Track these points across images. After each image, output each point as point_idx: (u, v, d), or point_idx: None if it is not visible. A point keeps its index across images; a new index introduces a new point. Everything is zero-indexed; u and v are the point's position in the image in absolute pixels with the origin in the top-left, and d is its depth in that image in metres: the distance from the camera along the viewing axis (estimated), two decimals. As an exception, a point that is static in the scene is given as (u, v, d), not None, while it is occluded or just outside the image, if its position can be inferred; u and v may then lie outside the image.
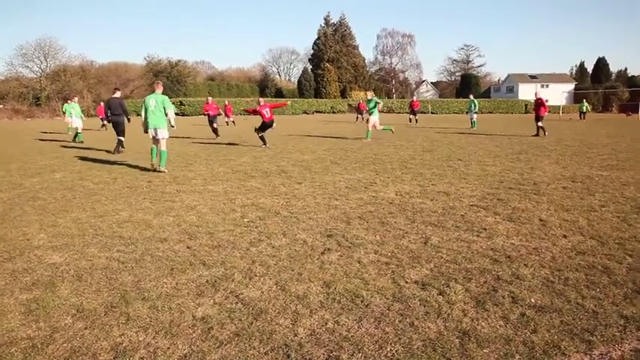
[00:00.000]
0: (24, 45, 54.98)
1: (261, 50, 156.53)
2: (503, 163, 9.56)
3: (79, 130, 16.82)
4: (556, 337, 2.57)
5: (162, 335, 2.65)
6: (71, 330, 2.72)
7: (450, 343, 2.53)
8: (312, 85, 66.73)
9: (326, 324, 2.77)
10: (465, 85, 73.29)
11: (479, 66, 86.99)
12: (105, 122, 23.16)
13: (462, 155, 11.16)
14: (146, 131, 8.90)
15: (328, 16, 71.83)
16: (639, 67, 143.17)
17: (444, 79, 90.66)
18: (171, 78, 58.63)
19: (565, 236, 4.43)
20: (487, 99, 64.73)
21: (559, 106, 48.19)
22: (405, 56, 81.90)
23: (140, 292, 3.25)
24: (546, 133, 16.61)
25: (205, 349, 2.50)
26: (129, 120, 13.15)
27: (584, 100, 38.06)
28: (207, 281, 3.43)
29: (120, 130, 12.78)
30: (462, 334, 2.62)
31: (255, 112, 13.41)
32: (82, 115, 18.08)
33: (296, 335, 2.64)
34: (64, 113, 18.80)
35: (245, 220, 5.21)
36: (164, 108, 8.74)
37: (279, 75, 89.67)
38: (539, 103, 17.04)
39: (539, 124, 16.77)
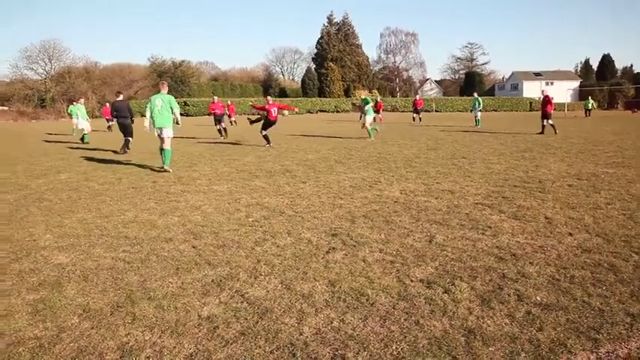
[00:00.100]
0: (28, 47, 55.33)
1: (264, 50, 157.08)
2: (508, 161, 9.53)
3: (86, 132, 16.92)
4: (562, 335, 2.56)
5: (168, 334, 2.66)
6: (78, 330, 2.74)
7: (455, 341, 2.53)
8: (315, 85, 66.72)
9: (331, 323, 2.77)
10: (469, 83, 72.99)
11: (483, 64, 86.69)
12: (110, 123, 23.30)
13: (466, 153, 11.13)
14: (150, 130, 9.02)
15: (331, 15, 71.81)
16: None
17: (447, 78, 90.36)
18: (175, 78, 58.76)
19: (571, 234, 4.41)
20: (491, 97, 64.43)
21: (564, 104, 47.93)
22: (408, 55, 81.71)
23: (146, 291, 3.27)
24: (556, 131, 16.49)
25: (211, 348, 2.51)
26: (132, 121, 13.27)
27: (590, 98, 37.91)
28: (212, 281, 3.45)
29: (128, 132, 12.90)
30: (467, 333, 2.62)
31: (263, 109, 13.51)
32: (88, 117, 18.17)
33: (301, 334, 2.65)
34: (69, 115, 18.90)
35: (250, 219, 5.22)
36: (171, 108, 8.87)
37: (283, 75, 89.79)
38: (546, 101, 16.95)
39: (550, 122, 16.64)
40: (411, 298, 3.09)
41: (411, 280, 3.38)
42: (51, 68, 55.60)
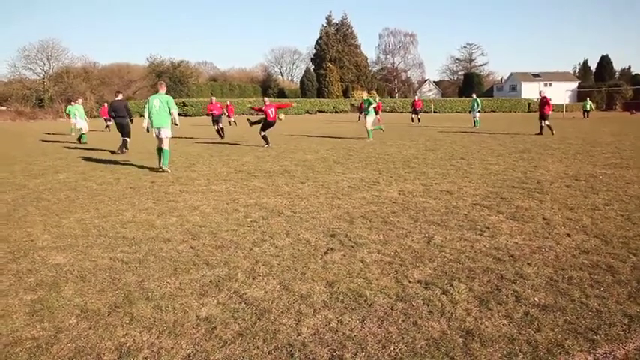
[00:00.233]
0: (27, 47, 55.25)
1: (263, 50, 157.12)
2: (506, 162, 9.54)
3: (84, 132, 16.89)
4: (560, 336, 2.57)
5: (166, 335, 2.66)
6: (75, 330, 2.74)
7: (453, 342, 2.53)
8: (314, 85, 66.74)
9: (329, 323, 2.77)
10: (468, 84, 73.11)
11: (481, 65, 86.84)
12: (108, 123, 23.24)
13: (464, 154, 11.14)
14: (148, 131, 8.99)
15: (330, 15, 71.86)
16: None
17: (446, 78, 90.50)
18: (173, 79, 58.70)
19: (569, 235, 4.42)
20: (490, 98, 64.54)
21: (562, 105, 48.03)
22: (407, 55, 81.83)
23: (144, 292, 3.26)
24: (553, 132, 16.52)
25: (209, 349, 2.51)
26: (131, 121, 13.23)
27: (588, 99, 37.95)
28: (210, 281, 3.44)
29: (126, 132, 12.87)
30: (465, 333, 2.62)
31: (260, 110, 13.51)
32: (86, 117, 18.14)
33: (299, 334, 2.64)
34: (67, 115, 18.86)
35: (248, 220, 5.22)
36: (169, 108, 8.84)
37: (282, 75, 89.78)
38: (543, 102, 16.99)
39: (547, 122, 16.69)
40: (409, 298, 3.09)
41: (409, 281, 3.39)
42: (49, 68, 55.51)
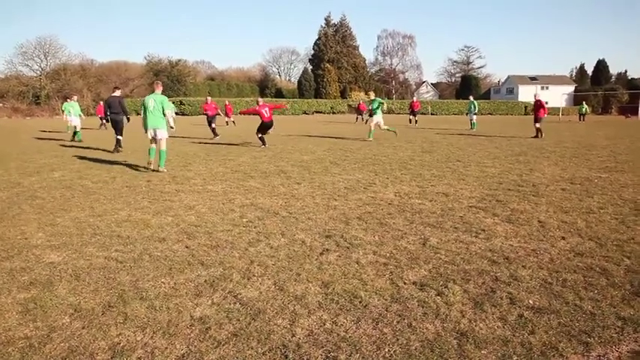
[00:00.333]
0: (24, 43, 54.93)
1: (261, 50, 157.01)
2: (502, 165, 9.57)
3: (78, 129, 16.79)
4: (554, 338, 2.57)
5: (160, 335, 2.65)
6: (69, 329, 2.72)
7: (447, 344, 2.53)
8: (312, 86, 66.77)
9: (324, 324, 2.77)
10: (465, 86, 73.31)
11: (479, 67, 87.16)
12: (104, 122, 23.12)
13: (461, 156, 11.17)
14: (146, 131, 8.89)
15: (329, 16, 71.94)
16: (639, 69, 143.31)
17: (444, 81, 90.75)
18: (171, 77, 58.60)
19: (563, 238, 4.44)
20: (487, 100, 64.77)
21: (559, 108, 48.23)
22: (405, 57, 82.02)
23: (138, 291, 3.25)
24: (542, 135, 16.62)
25: (203, 349, 2.50)
26: (128, 119, 13.12)
27: (584, 102, 38.08)
28: (205, 281, 3.43)
29: (119, 129, 12.75)
30: (459, 335, 2.62)
31: (254, 112, 13.32)
32: (81, 114, 18.05)
33: (294, 335, 2.64)
34: (63, 112, 18.78)
35: (244, 220, 5.21)
36: (163, 108, 8.73)
37: (280, 75, 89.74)
38: (538, 105, 17.06)
39: (537, 125, 16.80)
40: (404, 300, 3.09)
41: (404, 283, 3.39)
42: (46, 65, 55.23)
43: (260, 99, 14.13)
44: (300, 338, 2.61)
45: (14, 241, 4.45)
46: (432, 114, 54.06)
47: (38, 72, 54.84)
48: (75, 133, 16.58)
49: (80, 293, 3.22)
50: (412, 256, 3.97)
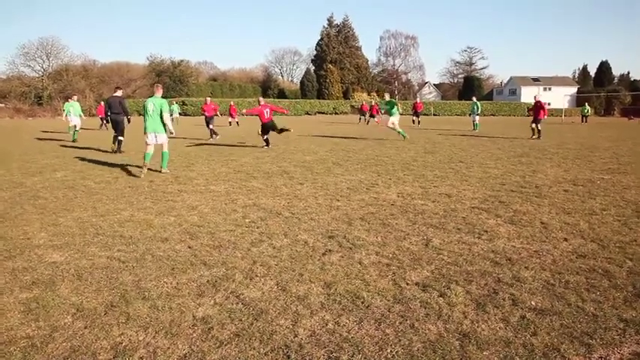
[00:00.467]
0: (26, 44, 55.04)
1: (263, 51, 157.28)
2: (505, 166, 9.55)
3: (77, 129, 16.79)
4: (556, 340, 2.57)
5: (163, 335, 2.65)
6: (71, 329, 2.73)
7: (450, 345, 2.53)
8: (314, 86, 66.85)
9: (326, 325, 2.77)
10: (468, 87, 73.27)
11: (482, 68, 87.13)
12: (105, 122, 23.15)
13: (463, 157, 11.15)
14: (147, 134, 8.82)
15: (331, 17, 72.10)
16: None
17: (446, 81, 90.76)
18: (173, 78, 58.73)
19: (566, 239, 4.43)
20: (489, 101, 64.74)
21: (561, 109, 48.14)
22: (408, 58, 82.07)
23: (140, 291, 3.26)
24: (534, 137, 16.62)
25: (205, 349, 2.50)
26: (129, 120, 13.10)
27: (587, 104, 38.03)
28: (208, 281, 3.44)
29: (120, 129, 12.74)
30: (462, 336, 2.62)
31: (256, 111, 13.27)
32: (82, 114, 18.07)
33: (296, 336, 2.64)
34: (64, 112, 18.81)
35: (246, 220, 5.22)
36: (161, 112, 8.59)
37: (282, 76, 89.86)
38: (538, 107, 17.04)
39: (533, 125, 16.82)
40: (407, 301, 3.09)
41: (407, 284, 3.38)
42: (48, 66, 55.39)
43: (262, 99, 14.06)
44: (302, 338, 2.61)
45: (17, 240, 4.47)
46: (434, 115, 54.04)
47: (40, 73, 55.04)
48: (74, 132, 16.61)
49: (82, 293, 3.23)
50: (415, 256, 3.97)
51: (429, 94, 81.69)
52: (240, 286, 3.34)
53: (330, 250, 4.14)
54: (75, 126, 16.86)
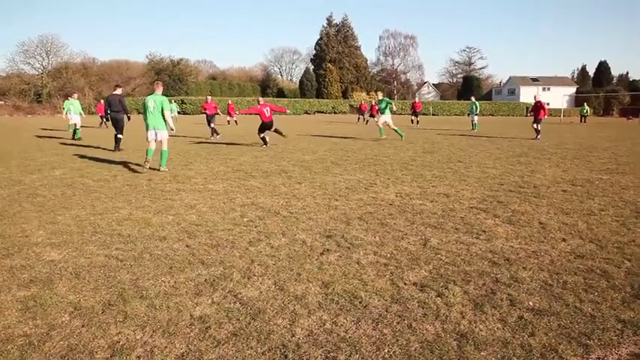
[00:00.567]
0: (26, 42, 54.99)
1: (263, 50, 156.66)
2: (503, 166, 9.56)
3: (78, 127, 16.80)
4: (554, 340, 2.57)
5: (160, 334, 2.65)
6: (68, 327, 2.72)
7: (447, 345, 2.53)
8: (313, 86, 66.82)
9: (324, 324, 2.76)
10: (467, 87, 73.32)
11: (481, 68, 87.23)
12: (104, 120, 23.16)
13: (462, 157, 11.16)
14: (148, 131, 8.86)
15: (331, 16, 72.06)
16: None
17: (445, 81, 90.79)
18: (173, 76, 58.66)
19: (564, 240, 4.43)
20: (488, 101, 64.76)
21: (560, 110, 48.18)
22: (407, 57, 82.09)
23: (138, 290, 3.25)
24: (538, 137, 16.63)
25: (203, 349, 2.50)
26: (129, 118, 13.11)
27: (585, 104, 38.05)
28: (205, 280, 3.43)
29: (119, 127, 12.75)
30: (459, 337, 2.62)
31: (255, 112, 13.31)
32: (82, 112, 18.05)
33: (294, 335, 2.64)
34: (64, 110, 18.79)
35: (244, 219, 5.21)
36: (162, 109, 8.69)
37: (281, 75, 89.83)
38: (538, 106, 17.05)
39: (535, 125, 16.83)
40: (404, 301, 3.09)
41: (405, 283, 3.38)
42: (48, 63, 55.36)
43: (261, 98, 14.10)
44: (299, 338, 2.61)
45: (15, 238, 4.46)
46: (433, 114, 54.05)
47: (40, 70, 54.98)
48: (75, 131, 16.60)
49: (80, 291, 3.22)
50: (413, 256, 3.97)
51: (428, 94, 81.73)
52: (238, 286, 3.33)
53: (328, 250, 4.14)
54: (75, 124, 16.85)
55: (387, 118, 15.46)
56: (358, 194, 6.61)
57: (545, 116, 17.07)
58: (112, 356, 2.43)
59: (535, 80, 73.56)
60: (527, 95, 65.80)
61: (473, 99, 23.93)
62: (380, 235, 4.59)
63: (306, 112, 54.44)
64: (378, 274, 3.57)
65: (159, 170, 8.75)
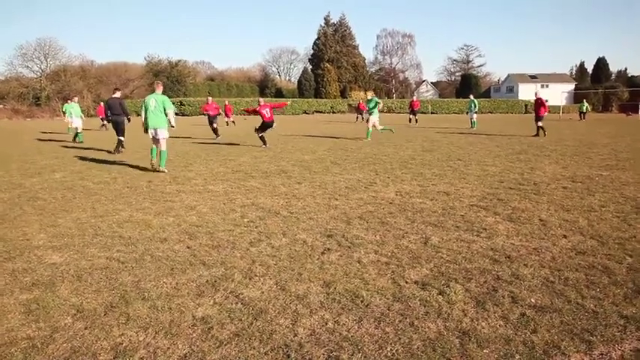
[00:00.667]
0: (24, 45, 55.12)
1: (261, 50, 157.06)
2: (503, 163, 9.56)
3: (79, 130, 16.84)
4: (556, 337, 2.57)
5: (162, 335, 2.65)
6: (71, 330, 2.72)
7: (449, 343, 2.53)
8: (312, 85, 66.76)
9: (326, 324, 2.77)
10: (465, 85, 73.28)
11: (479, 66, 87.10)
12: (105, 122, 23.20)
13: (461, 155, 11.16)
14: (146, 131, 8.90)
15: (328, 16, 71.91)
16: (639, 67, 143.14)
17: (444, 79, 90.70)
18: (171, 78, 58.62)
19: (565, 236, 4.43)
20: (487, 99, 64.71)
21: (559, 106, 48.19)
22: (405, 56, 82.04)
23: (140, 292, 3.25)
24: (545, 134, 16.61)
25: (205, 349, 2.50)
26: (129, 120, 13.15)
27: (584, 100, 38.03)
28: (207, 281, 3.43)
29: (120, 130, 12.79)
30: (461, 334, 2.62)
31: (255, 112, 13.35)
32: (82, 115, 18.09)
33: (296, 335, 2.64)
34: (64, 113, 18.81)
35: (245, 220, 5.21)
36: (164, 108, 8.75)
37: (279, 75, 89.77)
38: (539, 103, 17.04)
39: (539, 124, 16.78)
40: (406, 299, 3.09)
41: (406, 282, 3.39)
42: (46, 66, 55.42)
43: (261, 99, 14.14)
44: (302, 338, 2.61)
45: (16, 242, 4.46)
46: (432, 113, 54.05)
47: (38, 73, 55.01)
48: (76, 134, 16.63)
49: (82, 294, 3.23)
50: (414, 255, 3.97)
51: (427, 93, 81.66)
52: (240, 286, 3.34)
53: (328, 249, 4.14)
54: (76, 128, 16.89)
55: (375, 118, 15.44)
56: (358, 193, 6.62)
57: (546, 113, 17.04)
58: (115, 358, 2.43)
59: (533, 77, 73.54)
60: (526, 92, 65.80)
61: (471, 97, 23.94)
62: (380, 234, 4.59)
63: (305, 112, 54.42)
64: (379, 272, 3.58)
65: (158, 171, 8.76)
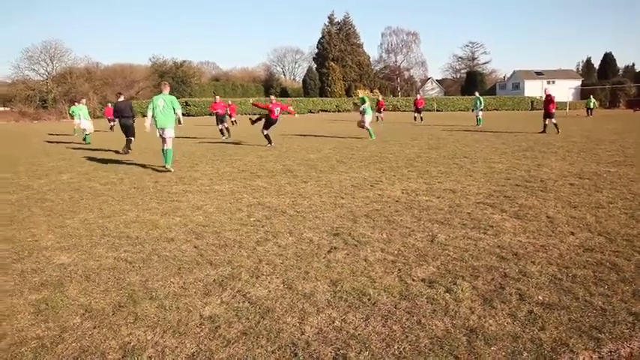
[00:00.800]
0: (30, 48, 55.41)
1: (265, 50, 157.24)
2: (509, 160, 9.51)
3: (88, 132, 17.00)
4: (564, 334, 2.56)
5: (170, 334, 2.67)
6: (80, 329, 2.75)
7: (457, 340, 2.53)
8: (317, 84, 66.73)
9: (333, 322, 2.77)
10: (471, 82, 72.92)
11: (484, 63, 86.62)
12: (112, 124, 23.45)
13: (468, 153, 11.12)
14: (149, 130, 9.10)
15: (332, 14, 71.73)
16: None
17: (449, 77, 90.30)
18: (176, 79, 58.82)
19: (572, 233, 4.41)
20: (493, 96, 64.30)
21: (566, 103, 47.84)
22: (409, 54, 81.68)
23: (148, 291, 3.27)
24: (559, 131, 16.42)
25: (213, 348, 2.51)
26: (134, 121, 13.29)
27: (591, 96, 37.68)
28: (214, 280, 3.45)
29: (130, 132, 12.94)
30: (469, 332, 2.61)
31: (266, 107, 13.47)
32: (90, 117, 18.26)
33: (303, 334, 2.65)
34: (71, 116, 18.97)
35: (251, 219, 5.23)
36: (173, 108, 8.95)
37: (284, 74, 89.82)
38: (548, 100, 16.91)
39: (553, 120, 16.62)
40: (413, 297, 3.09)
41: (413, 280, 3.38)
42: (52, 69, 55.75)
43: (273, 97, 14.15)
44: (309, 336, 2.62)
45: (25, 243, 4.50)
46: (437, 110, 53.85)
47: (44, 76, 55.36)
48: (85, 136, 16.82)
49: (90, 294, 3.25)
50: (420, 253, 3.96)
51: (432, 90, 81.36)
52: (247, 285, 3.35)
53: (335, 248, 4.14)
54: (85, 130, 17.06)
55: (369, 118, 15.54)
56: (364, 192, 6.61)
57: (554, 109, 16.88)
58: (123, 357, 2.45)
59: (539, 74, 73.00)
60: (532, 89, 65.40)
61: (477, 94, 23.79)
62: (387, 232, 4.59)
63: (310, 111, 54.43)
64: (386, 271, 3.57)
65: (164, 168, 8.89)
